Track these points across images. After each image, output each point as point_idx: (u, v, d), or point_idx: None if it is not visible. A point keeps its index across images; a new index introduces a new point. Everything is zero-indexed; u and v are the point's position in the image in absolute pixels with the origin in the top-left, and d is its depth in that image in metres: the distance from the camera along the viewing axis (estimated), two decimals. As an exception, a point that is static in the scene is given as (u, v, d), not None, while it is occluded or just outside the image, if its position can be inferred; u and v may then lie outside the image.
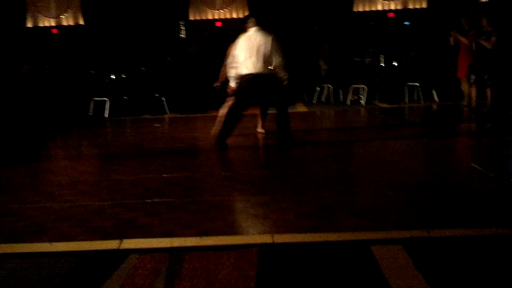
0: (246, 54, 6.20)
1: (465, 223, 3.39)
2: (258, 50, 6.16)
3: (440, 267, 2.74)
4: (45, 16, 14.46)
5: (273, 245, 3.12)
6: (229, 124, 6.32)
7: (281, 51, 6.26)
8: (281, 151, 6.23)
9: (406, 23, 14.28)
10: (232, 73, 6.71)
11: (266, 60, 6.18)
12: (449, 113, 9.23)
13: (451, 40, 9.33)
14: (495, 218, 3.47)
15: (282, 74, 6.29)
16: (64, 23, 14.73)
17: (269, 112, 7.13)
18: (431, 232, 3.20)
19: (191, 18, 14.76)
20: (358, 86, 10.78)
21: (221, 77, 7.14)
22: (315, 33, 13.96)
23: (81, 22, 14.65)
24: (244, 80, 6.26)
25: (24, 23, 14.50)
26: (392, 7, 13.99)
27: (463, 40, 9.05)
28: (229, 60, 6.76)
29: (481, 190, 4.16)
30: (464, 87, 9.34)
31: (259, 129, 7.28)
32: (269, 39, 6.21)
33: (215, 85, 7.24)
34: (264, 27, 6.40)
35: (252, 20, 6.38)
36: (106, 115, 10.24)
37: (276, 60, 6.20)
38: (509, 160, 4.75)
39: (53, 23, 14.76)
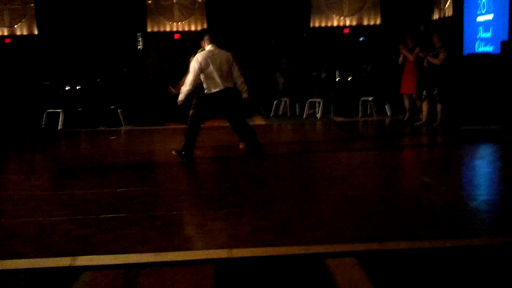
0: (214, 72, 6.32)
1: (418, 236, 3.50)
2: (221, 66, 6.35)
3: (393, 279, 2.82)
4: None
5: (230, 260, 3.13)
6: (191, 137, 6.38)
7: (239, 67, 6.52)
8: (239, 165, 6.26)
9: (361, 39, 14.69)
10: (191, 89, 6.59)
11: (229, 76, 6.44)
12: (401, 128, 9.50)
13: (400, 59, 9.62)
14: (447, 230, 3.59)
15: (243, 88, 6.51)
16: (18, 32, 14.38)
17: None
18: (384, 244, 3.28)
19: (149, 29, 14.70)
20: (315, 100, 10.96)
21: (178, 86, 7.02)
22: (272, 48, 14.15)
23: (35, 31, 14.34)
24: (214, 96, 6.38)
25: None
26: (348, 23, 14.39)
27: (409, 56, 9.37)
28: (193, 76, 6.48)
29: (433, 203, 4.30)
30: (407, 102, 9.68)
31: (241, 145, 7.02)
32: (229, 55, 6.46)
33: (170, 90, 7.08)
34: (219, 43, 6.50)
35: (207, 37, 6.45)
36: (60, 127, 10.02)
37: (236, 75, 6.48)
38: (459, 173, 4.94)
39: (6, 33, 14.39)
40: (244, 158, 6.51)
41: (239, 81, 6.51)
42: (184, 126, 6.90)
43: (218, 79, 6.32)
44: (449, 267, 2.97)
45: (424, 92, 9.14)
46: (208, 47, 6.41)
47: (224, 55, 6.43)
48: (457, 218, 3.90)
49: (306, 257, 3.14)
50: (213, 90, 6.35)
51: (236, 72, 6.48)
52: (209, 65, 6.30)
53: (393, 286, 2.74)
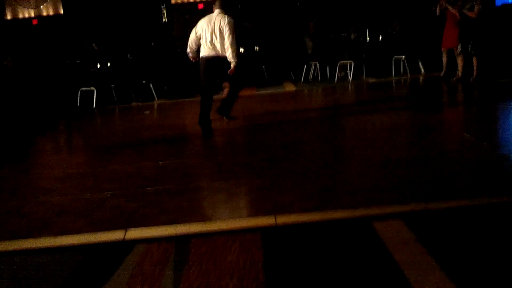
0: (205, 37, 6.31)
1: (463, 193, 3.46)
2: (213, 33, 6.27)
3: (442, 239, 2.81)
4: (24, 7, 14.23)
5: (276, 227, 3.17)
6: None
7: (234, 36, 6.28)
8: (272, 134, 6.26)
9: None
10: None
11: (220, 44, 6.28)
12: (437, 84, 9.30)
13: (437, 10, 9.33)
14: (491, 187, 3.54)
15: (232, 58, 6.26)
16: (44, 13, 14.51)
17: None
18: (430, 205, 3.26)
19: (173, 1, 14.63)
20: (345, 62, 10.80)
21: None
22: (299, 11, 13.91)
23: (61, 11, 14.44)
24: (201, 62, 6.40)
25: (3, 15, 14.26)
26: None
27: (452, 9, 9.04)
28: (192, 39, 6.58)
29: (475, 160, 4.23)
30: (445, 58, 9.42)
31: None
32: (225, 22, 6.26)
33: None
34: (227, 10, 6.41)
35: (217, 2, 6.41)
36: (94, 104, 10.17)
37: (226, 44, 6.24)
38: (500, 127, 4.83)
39: (32, 14, 14.54)
40: (277, 126, 6.50)
41: (228, 50, 6.26)
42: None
43: (206, 45, 6.33)
44: (496, 224, 2.94)
45: (459, 46, 8.90)
46: (215, 12, 6.40)
47: (221, 22, 6.28)
48: (501, 174, 3.83)
49: (352, 221, 3.15)
50: (201, 55, 6.41)
51: (227, 41, 6.24)
52: (202, 30, 6.33)
53: (442, 245, 2.73)
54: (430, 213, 3.17)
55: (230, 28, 6.21)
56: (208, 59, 6.32)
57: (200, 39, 6.39)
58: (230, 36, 6.21)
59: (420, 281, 2.37)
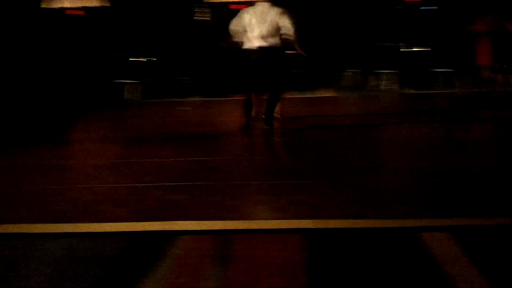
0: (256, 28, 6.23)
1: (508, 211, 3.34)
2: (270, 23, 6.20)
3: (492, 255, 2.72)
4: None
5: (318, 230, 3.12)
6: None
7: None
8: (307, 136, 6.22)
9: (433, 7, 14.07)
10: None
11: (276, 34, 6.23)
12: (475, 99, 9.08)
13: (476, 27, 9.08)
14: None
15: (294, 42, 6.29)
16: (91, 4, 14.76)
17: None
18: (480, 220, 3.17)
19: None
20: (387, 71, 10.67)
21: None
22: (343, 18, 13.81)
23: (108, 3, 14.66)
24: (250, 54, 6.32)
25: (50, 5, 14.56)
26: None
27: (484, 24, 8.82)
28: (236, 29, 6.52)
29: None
30: (482, 74, 9.20)
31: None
32: (279, 11, 6.22)
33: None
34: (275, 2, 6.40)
35: None
36: (137, 97, 10.32)
37: (290, 31, 6.24)
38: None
39: (79, 5, 14.80)
40: (310, 129, 6.46)
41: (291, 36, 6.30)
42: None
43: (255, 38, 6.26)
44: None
45: (496, 62, 8.70)
46: (257, 5, 6.36)
47: (275, 11, 6.24)
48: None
49: (398, 230, 3.08)
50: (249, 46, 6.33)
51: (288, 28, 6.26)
52: (251, 20, 6.23)
53: (490, 261, 2.64)
54: (479, 228, 3.08)
55: (288, 15, 6.21)
56: (259, 50, 6.25)
57: (247, 31, 6.30)
58: (290, 22, 6.20)
59: (470, 297, 2.30)
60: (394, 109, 8.80)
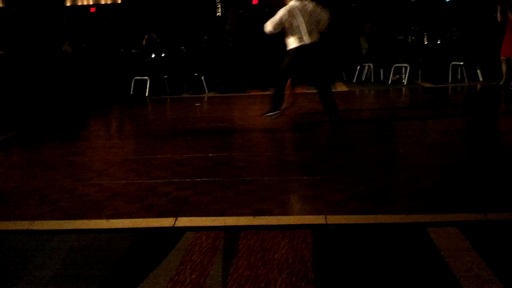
0: (304, 25, 6.36)
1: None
2: (316, 20, 6.41)
3: (499, 250, 2.69)
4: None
5: (327, 226, 3.12)
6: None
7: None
8: (324, 131, 6.19)
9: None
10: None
11: (318, 29, 6.46)
12: (496, 93, 8.96)
13: (499, 16, 8.98)
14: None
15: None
16: (102, 1, 14.86)
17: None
18: (488, 215, 3.14)
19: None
20: (401, 65, 10.56)
21: None
22: (355, 11, 13.72)
23: (119, 0, 14.75)
24: (303, 51, 6.42)
25: (64, 1, 14.70)
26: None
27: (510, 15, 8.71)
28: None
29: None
30: (504, 67, 9.06)
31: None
32: (318, 6, 6.46)
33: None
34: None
35: None
36: (147, 94, 10.35)
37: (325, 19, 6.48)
38: None
39: (91, 2, 14.92)
40: (328, 125, 6.45)
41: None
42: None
43: (307, 33, 6.37)
44: None
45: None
46: (294, 3, 6.39)
47: (314, 7, 6.42)
48: None
49: (407, 226, 3.06)
50: (302, 43, 6.42)
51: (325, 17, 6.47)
52: (300, 19, 6.34)
53: (500, 257, 2.61)
54: (487, 223, 3.05)
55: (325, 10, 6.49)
56: (309, 46, 6.39)
57: (293, 27, 6.38)
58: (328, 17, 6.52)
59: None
60: (409, 104, 8.70)
